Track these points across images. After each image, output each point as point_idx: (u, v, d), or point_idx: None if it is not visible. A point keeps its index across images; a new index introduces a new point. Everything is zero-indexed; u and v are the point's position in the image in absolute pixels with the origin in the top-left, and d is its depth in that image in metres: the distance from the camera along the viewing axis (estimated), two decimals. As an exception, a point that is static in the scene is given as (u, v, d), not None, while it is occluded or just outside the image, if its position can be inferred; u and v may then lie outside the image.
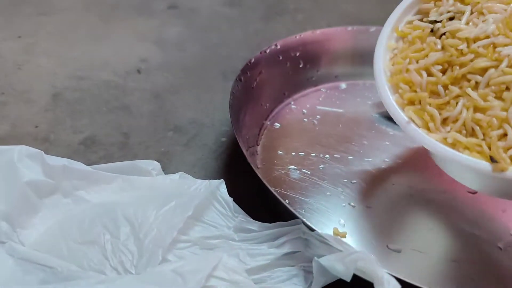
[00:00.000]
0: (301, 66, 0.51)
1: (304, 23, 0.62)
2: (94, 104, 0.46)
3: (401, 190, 0.41)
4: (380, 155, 0.43)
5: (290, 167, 0.41)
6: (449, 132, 0.34)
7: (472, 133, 0.34)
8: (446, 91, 0.36)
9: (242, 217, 0.33)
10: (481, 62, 0.35)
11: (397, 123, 0.36)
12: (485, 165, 0.32)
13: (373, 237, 0.36)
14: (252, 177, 0.35)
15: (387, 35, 0.40)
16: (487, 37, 0.36)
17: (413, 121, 0.36)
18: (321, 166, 0.41)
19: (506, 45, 0.35)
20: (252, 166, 0.34)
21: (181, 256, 0.30)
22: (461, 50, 0.36)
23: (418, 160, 0.43)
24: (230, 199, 0.34)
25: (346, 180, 0.40)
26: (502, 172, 0.32)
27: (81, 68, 0.51)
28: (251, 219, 0.33)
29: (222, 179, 0.35)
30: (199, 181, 0.35)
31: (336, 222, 0.36)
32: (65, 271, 0.28)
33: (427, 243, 0.36)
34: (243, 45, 0.56)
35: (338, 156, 0.43)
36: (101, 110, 0.46)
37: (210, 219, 0.33)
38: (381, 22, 0.41)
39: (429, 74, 0.37)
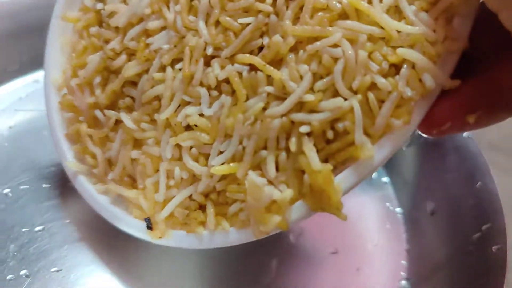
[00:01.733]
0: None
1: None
2: None
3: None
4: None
5: None
6: (111, 180, 0.25)
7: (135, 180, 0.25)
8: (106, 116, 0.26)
9: None
10: (131, 67, 0.24)
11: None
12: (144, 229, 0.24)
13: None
14: None
15: (58, 23, 0.28)
16: (141, 20, 0.24)
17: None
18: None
19: (164, 29, 0.23)
20: None
21: None
22: (114, 48, 0.25)
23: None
24: None
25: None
26: (160, 239, 0.24)
27: None
28: None
29: None
30: None
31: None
32: None
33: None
34: None
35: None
36: None
37: None
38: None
39: (92, 91, 0.26)
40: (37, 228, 0.30)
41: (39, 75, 0.41)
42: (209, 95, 0.23)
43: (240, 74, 0.22)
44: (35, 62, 0.41)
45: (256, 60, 0.21)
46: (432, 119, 0.20)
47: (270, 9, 0.21)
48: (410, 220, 0.32)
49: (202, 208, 0.24)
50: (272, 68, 0.21)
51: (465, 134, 0.31)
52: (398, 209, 0.33)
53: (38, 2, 0.41)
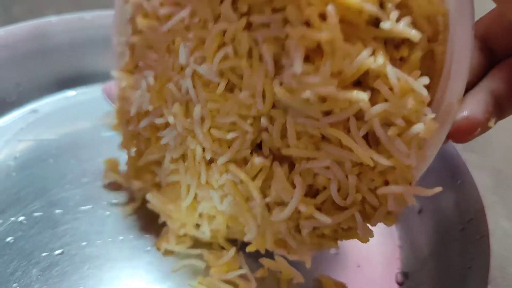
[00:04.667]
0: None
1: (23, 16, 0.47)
2: None
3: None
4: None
5: None
6: None
7: None
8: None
9: None
10: (151, 153, 0.30)
11: None
12: None
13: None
14: None
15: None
16: (148, 112, 0.29)
17: None
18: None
19: (169, 125, 0.28)
20: None
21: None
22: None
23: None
24: None
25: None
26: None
27: None
28: None
29: None
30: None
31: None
32: None
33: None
34: None
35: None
36: None
37: None
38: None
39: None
40: (56, 252, 0.31)
41: (37, 104, 0.42)
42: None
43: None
44: (32, 92, 0.42)
45: (243, 176, 0.25)
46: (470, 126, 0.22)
47: (251, 129, 0.24)
48: (400, 219, 0.35)
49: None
50: (256, 186, 0.25)
51: (442, 138, 0.35)
52: (388, 210, 0.36)
53: (34, 33, 0.42)
